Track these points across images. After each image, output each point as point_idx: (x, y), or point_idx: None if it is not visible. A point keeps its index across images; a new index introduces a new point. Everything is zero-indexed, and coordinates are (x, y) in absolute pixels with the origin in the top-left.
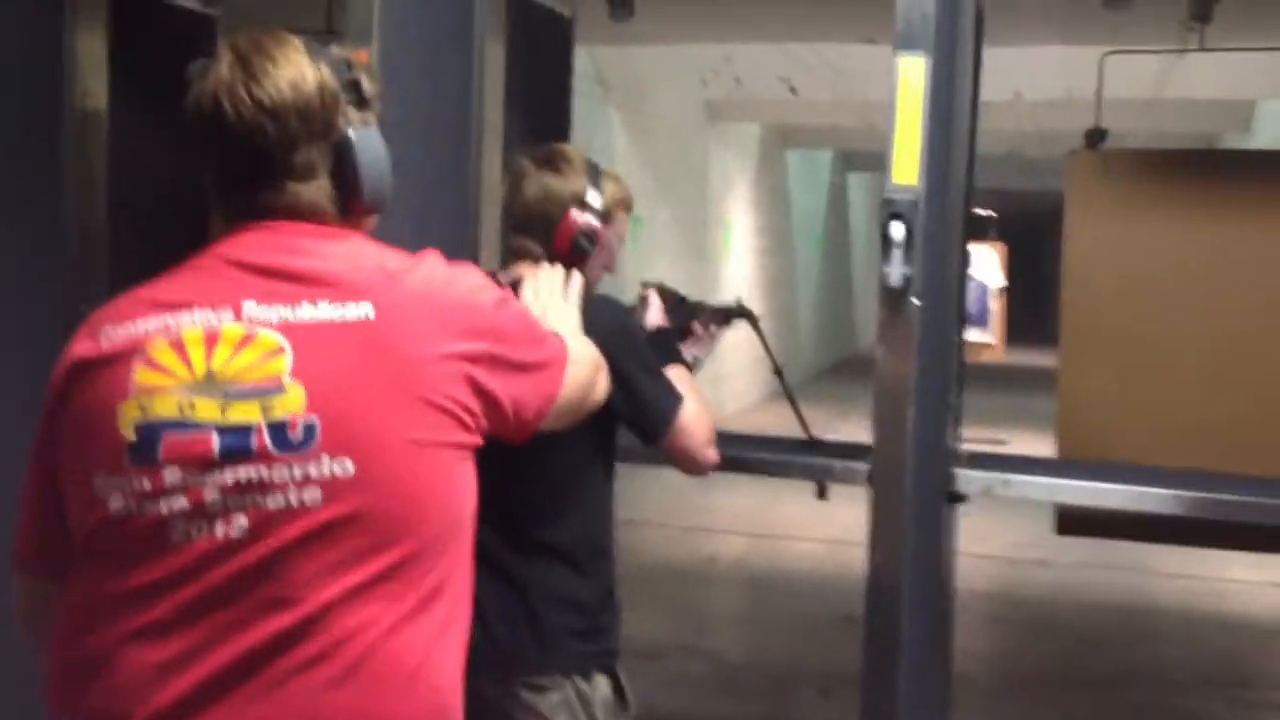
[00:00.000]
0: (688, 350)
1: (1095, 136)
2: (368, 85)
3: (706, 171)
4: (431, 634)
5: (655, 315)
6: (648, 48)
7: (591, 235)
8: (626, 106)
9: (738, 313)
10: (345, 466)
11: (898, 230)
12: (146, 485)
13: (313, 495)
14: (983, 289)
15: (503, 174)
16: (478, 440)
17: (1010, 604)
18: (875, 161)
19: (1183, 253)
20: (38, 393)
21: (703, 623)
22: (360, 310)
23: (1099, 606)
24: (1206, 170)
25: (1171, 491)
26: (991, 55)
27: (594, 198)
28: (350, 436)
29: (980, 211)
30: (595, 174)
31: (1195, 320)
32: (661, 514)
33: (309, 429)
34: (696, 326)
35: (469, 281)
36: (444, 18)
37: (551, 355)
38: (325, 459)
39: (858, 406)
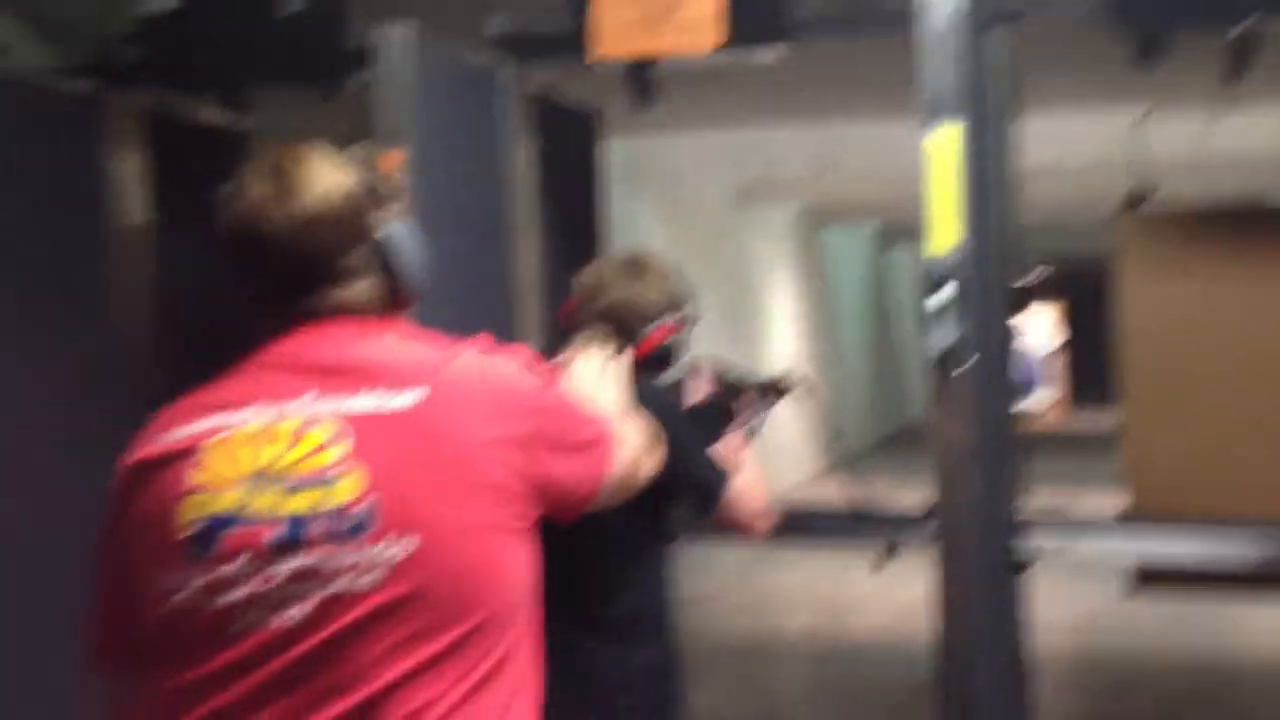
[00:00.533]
0: (739, 423)
1: (1136, 199)
2: (394, 181)
3: (744, 255)
4: (496, 711)
5: (703, 388)
6: (679, 136)
7: (678, 347)
8: (662, 194)
9: (788, 383)
10: (403, 548)
11: (938, 298)
12: (208, 579)
13: (372, 579)
14: (1041, 351)
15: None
16: (530, 522)
17: (1089, 667)
18: (917, 235)
19: (1234, 306)
20: (89, 501)
21: (773, 698)
22: (410, 399)
23: (1179, 666)
24: (1252, 226)
25: (1243, 543)
26: (1032, 122)
27: (682, 310)
28: (407, 520)
29: (1036, 272)
30: (680, 286)
31: (1253, 372)
32: (725, 591)
33: (366, 515)
34: (747, 398)
35: (513, 366)
36: (474, 120)
37: (599, 434)
38: (383, 543)
39: (915, 476)
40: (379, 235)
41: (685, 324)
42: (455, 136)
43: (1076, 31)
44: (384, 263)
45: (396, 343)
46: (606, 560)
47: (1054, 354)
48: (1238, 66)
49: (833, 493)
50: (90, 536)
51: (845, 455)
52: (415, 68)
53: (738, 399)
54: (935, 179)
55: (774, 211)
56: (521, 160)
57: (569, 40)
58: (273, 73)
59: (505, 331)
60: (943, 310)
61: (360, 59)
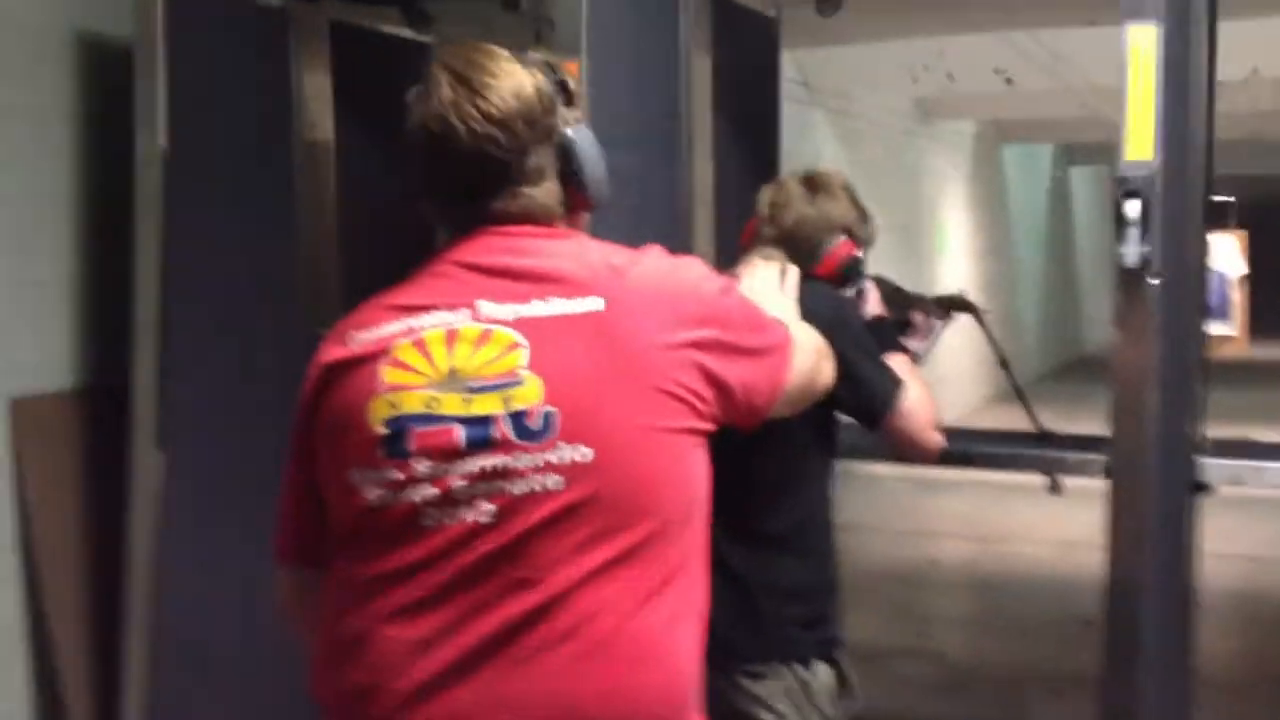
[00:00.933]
0: (908, 343)
1: None
2: (573, 85)
3: (919, 172)
4: (670, 615)
5: (874, 305)
6: (855, 47)
7: (859, 265)
8: (834, 108)
9: (959, 304)
10: (583, 453)
11: (1133, 208)
12: (399, 476)
13: (554, 480)
14: (1222, 279)
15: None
16: (710, 426)
17: (1257, 603)
18: (1100, 154)
19: None
20: (281, 405)
21: (927, 625)
22: (590, 304)
23: None
24: None
25: None
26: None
27: (861, 229)
28: (587, 424)
29: (1218, 198)
30: (860, 204)
31: None
32: (882, 518)
33: (548, 418)
34: (916, 317)
35: (693, 272)
36: (650, 28)
37: (777, 341)
38: (564, 446)
39: (1088, 406)
40: (562, 137)
41: (865, 243)
42: (634, 43)
43: None
44: (566, 166)
45: (578, 247)
46: (769, 473)
47: (1239, 281)
48: None
49: (1001, 421)
50: (271, 440)
51: (1014, 383)
52: None
53: (911, 316)
54: (1131, 84)
55: (953, 126)
56: (702, 69)
57: None
58: None
59: (679, 247)
60: (1136, 220)
61: None
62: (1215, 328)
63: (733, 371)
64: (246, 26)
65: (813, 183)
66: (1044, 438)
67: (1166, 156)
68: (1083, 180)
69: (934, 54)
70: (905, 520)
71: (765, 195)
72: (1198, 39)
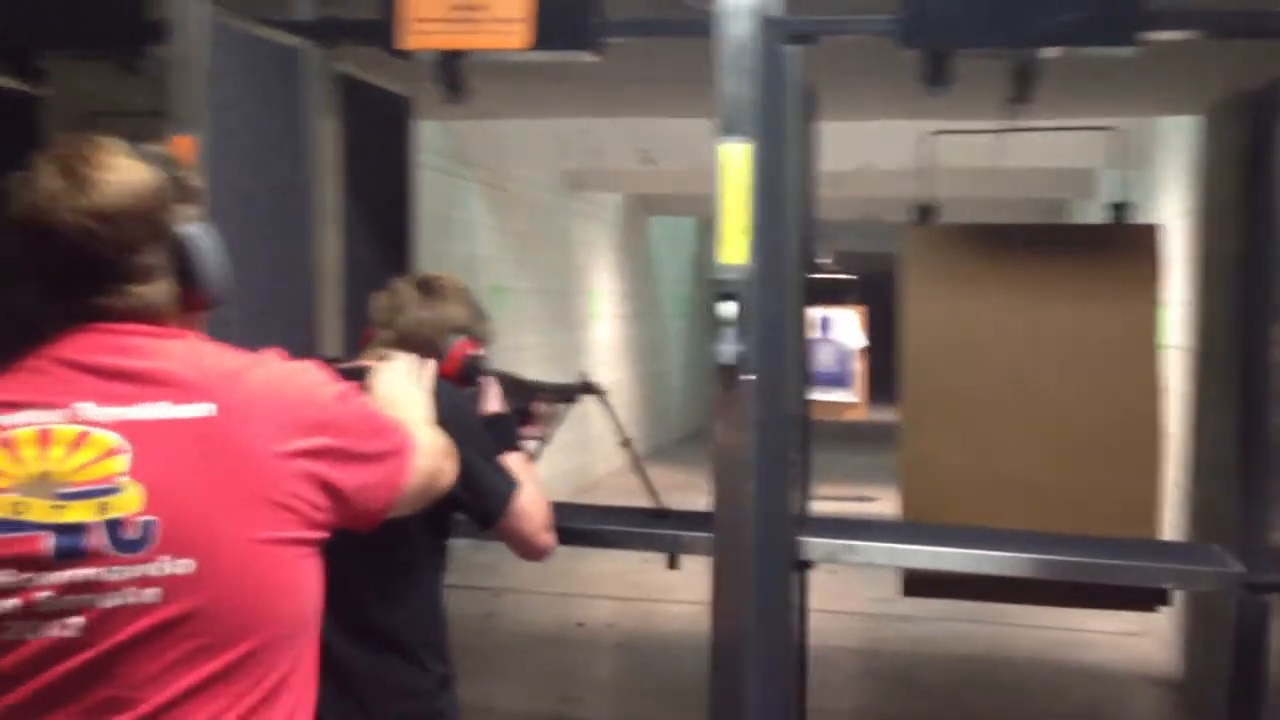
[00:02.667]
0: (530, 432)
1: (925, 211)
2: (193, 180)
3: (570, 241)
4: None
5: (493, 401)
6: (502, 122)
7: (479, 362)
8: (487, 180)
9: (582, 389)
10: (184, 565)
11: (728, 309)
12: None
13: (151, 594)
14: (844, 350)
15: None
16: (324, 534)
17: (872, 659)
18: None
19: (1010, 322)
20: None
21: (573, 690)
22: (201, 409)
23: (961, 658)
24: (1029, 243)
25: (1007, 553)
26: (840, 129)
27: (479, 327)
28: (190, 536)
29: (839, 275)
30: (476, 304)
31: (1023, 387)
32: (532, 581)
33: (147, 528)
34: (539, 407)
35: (309, 377)
36: (273, 101)
37: (397, 444)
38: (164, 558)
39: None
40: (177, 234)
41: (483, 341)
42: (254, 118)
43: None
44: (181, 264)
45: (191, 349)
46: (382, 570)
47: (859, 352)
48: (1021, 90)
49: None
50: None
51: (635, 460)
52: (210, 45)
53: (533, 406)
54: (726, 194)
55: (602, 198)
56: (329, 146)
57: (377, 28)
58: (68, 39)
59: (305, 324)
60: (732, 320)
61: (160, 30)
62: (837, 395)
63: (348, 478)
64: None
65: (427, 286)
66: (663, 515)
67: (762, 258)
68: None
69: (581, 131)
70: (554, 583)
71: (380, 301)
72: (793, 145)
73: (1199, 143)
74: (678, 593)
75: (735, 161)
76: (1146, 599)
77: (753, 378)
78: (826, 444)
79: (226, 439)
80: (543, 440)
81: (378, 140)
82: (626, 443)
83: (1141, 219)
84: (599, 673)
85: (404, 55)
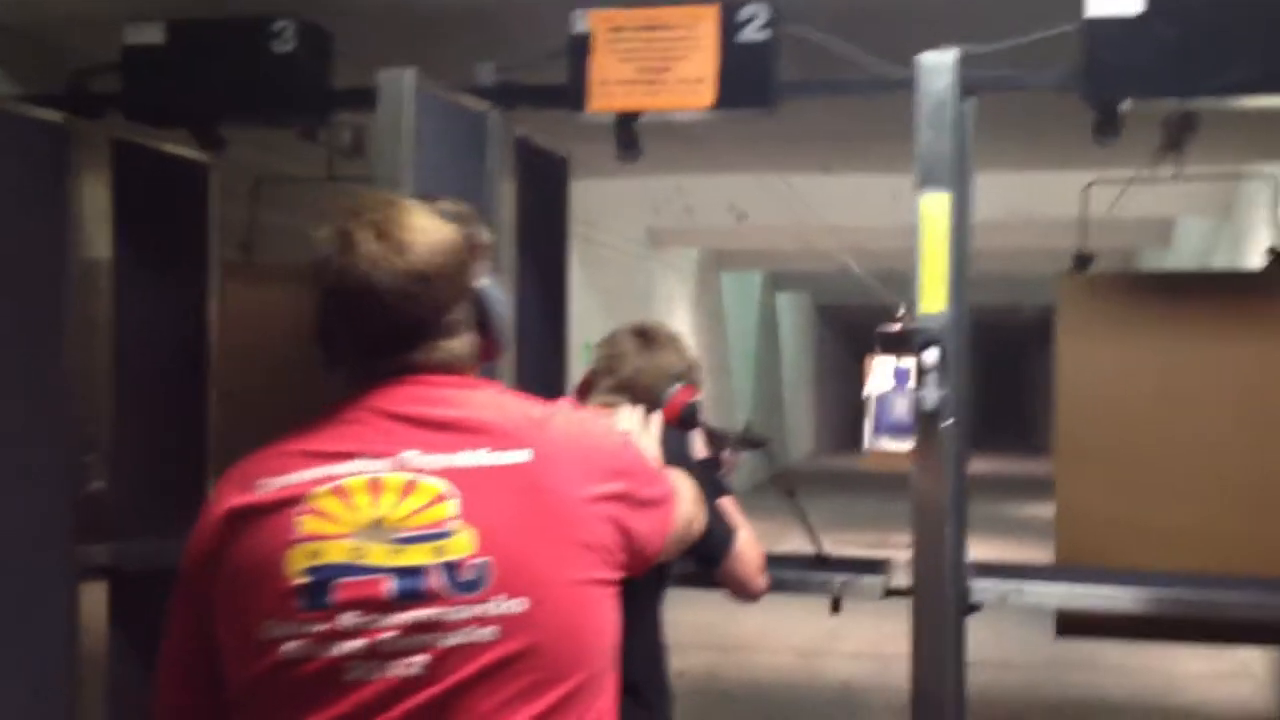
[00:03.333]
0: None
1: (1083, 260)
2: (484, 235)
3: (651, 295)
4: None
5: (700, 448)
6: (600, 180)
7: (697, 409)
8: (580, 234)
9: (755, 441)
10: (518, 604)
11: (931, 356)
12: (321, 629)
13: (489, 633)
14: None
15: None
16: (620, 575)
17: (979, 705)
18: (803, 281)
19: (1167, 370)
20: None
21: None
22: (518, 456)
23: (1059, 704)
24: (1183, 291)
25: (1165, 590)
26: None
27: (692, 374)
28: (519, 576)
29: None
30: (688, 352)
31: (1183, 435)
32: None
33: (481, 569)
34: (725, 455)
35: (601, 426)
36: (465, 163)
37: (667, 491)
38: (498, 598)
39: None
40: (477, 290)
41: (698, 386)
42: (451, 182)
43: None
44: (479, 317)
45: (497, 398)
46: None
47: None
48: (1174, 139)
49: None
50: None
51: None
52: (415, 112)
53: (721, 455)
54: (926, 243)
55: (680, 253)
56: (505, 206)
57: (562, 91)
58: (251, 110)
59: (491, 370)
60: (934, 366)
61: (340, 100)
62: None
63: (636, 523)
64: (26, 139)
65: (644, 335)
66: (824, 561)
67: (954, 306)
68: (788, 306)
69: (676, 188)
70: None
71: (599, 350)
72: (965, 201)
73: None
74: (769, 642)
75: (935, 211)
76: None
77: (951, 422)
78: (902, 494)
79: (542, 484)
80: (730, 489)
81: (545, 200)
82: (791, 492)
83: (1227, 267)
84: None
85: (593, 113)
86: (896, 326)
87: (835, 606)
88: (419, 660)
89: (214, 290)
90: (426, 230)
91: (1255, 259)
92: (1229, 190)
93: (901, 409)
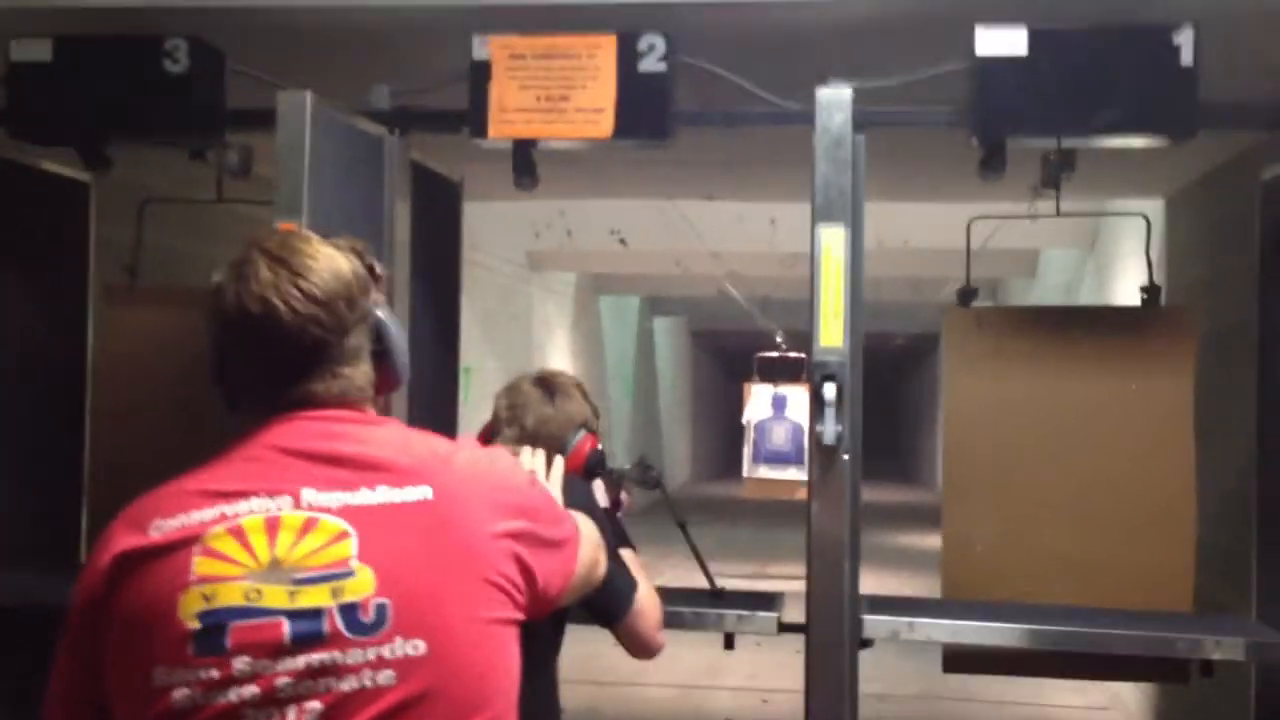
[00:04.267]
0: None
1: (966, 294)
2: (377, 267)
3: (530, 318)
4: None
5: (603, 496)
6: (482, 203)
7: (603, 457)
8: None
9: (652, 481)
10: (416, 646)
11: (830, 390)
12: (214, 674)
13: (386, 676)
14: (798, 429)
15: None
16: (523, 616)
17: None
18: (680, 305)
19: (1044, 401)
20: None
21: None
22: (419, 493)
23: None
24: (1065, 325)
25: (1045, 628)
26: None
27: (595, 423)
28: (420, 617)
29: (791, 354)
30: (590, 400)
31: (1056, 465)
32: None
33: (380, 611)
34: (623, 496)
35: (505, 463)
36: (359, 186)
37: (570, 533)
38: (398, 640)
39: (676, 548)
40: (375, 318)
41: (598, 434)
42: (345, 203)
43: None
44: (378, 346)
45: (399, 434)
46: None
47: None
48: (1051, 177)
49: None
50: None
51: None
52: (313, 134)
53: (620, 496)
54: (824, 279)
55: (559, 277)
56: (399, 228)
57: (462, 118)
58: (142, 129)
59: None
60: (833, 401)
61: (233, 120)
62: (791, 474)
63: (539, 562)
64: None
65: (546, 384)
66: (719, 595)
67: (852, 341)
68: (664, 330)
69: (555, 212)
70: None
71: (502, 399)
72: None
73: (1164, 225)
74: (650, 677)
75: (833, 246)
76: (1180, 671)
77: (847, 457)
78: (780, 521)
79: (445, 520)
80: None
81: (438, 224)
82: (683, 525)
83: (1091, 299)
84: None
85: (491, 139)
86: (775, 354)
87: (729, 643)
88: (315, 706)
89: (93, 313)
90: (320, 256)
91: (1120, 289)
92: (1094, 223)
93: (780, 437)
